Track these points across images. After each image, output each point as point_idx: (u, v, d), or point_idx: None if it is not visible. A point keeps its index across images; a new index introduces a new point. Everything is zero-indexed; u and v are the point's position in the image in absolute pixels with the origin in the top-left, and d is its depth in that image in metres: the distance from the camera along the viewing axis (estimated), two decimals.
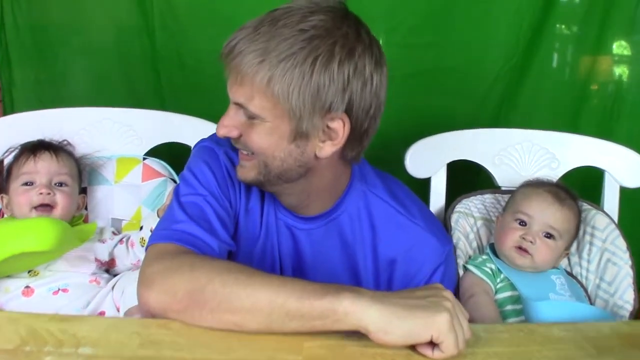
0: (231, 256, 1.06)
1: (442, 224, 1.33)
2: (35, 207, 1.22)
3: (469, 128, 1.47)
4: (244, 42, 0.88)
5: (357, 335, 0.78)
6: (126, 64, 1.72)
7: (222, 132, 0.95)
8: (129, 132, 1.45)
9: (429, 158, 1.42)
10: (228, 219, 1.05)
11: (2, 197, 1.29)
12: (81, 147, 1.40)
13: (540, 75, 1.72)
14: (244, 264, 1.05)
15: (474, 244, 1.36)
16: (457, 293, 1.21)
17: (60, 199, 1.24)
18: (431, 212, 1.21)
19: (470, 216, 1.38)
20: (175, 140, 1.46)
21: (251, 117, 0.92)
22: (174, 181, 1.41)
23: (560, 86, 1.74)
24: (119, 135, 1.45)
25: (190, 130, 1.44)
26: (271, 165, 0.95)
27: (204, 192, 1.03)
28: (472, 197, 1.41)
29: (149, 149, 1.46)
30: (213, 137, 1.11)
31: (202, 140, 1.14)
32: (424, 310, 0.79)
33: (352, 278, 1.07)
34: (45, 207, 1.22)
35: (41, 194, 1.23)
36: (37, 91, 1.72)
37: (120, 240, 1.29)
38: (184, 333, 0.83)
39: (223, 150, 1.07)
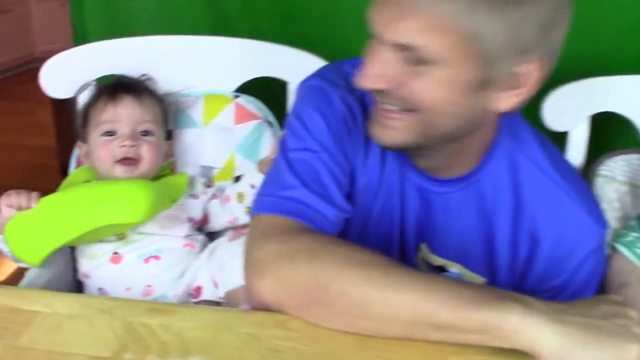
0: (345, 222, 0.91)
1: None
2: (119, 161, 1.06)
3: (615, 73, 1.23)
4: None
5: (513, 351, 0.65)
6: None
7: (370, 84, 0.76)
8: (215, 64, 1.25)
9: (570, 108, 1.20)
10: (344, 179, 0.89)
11: (79, 145, 1.13)
12: (162, 83, 1.21)
13: None
14: (358, 230, 0.94)
15: (618, 214, 1.16)
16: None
17: (146, 151, 1.07)
18: (587, 184, 1.01)
19: (614, 180, 1.18)
20: (270, 75, 1.25)
21: (419, 62, 0.72)
22: (270, 124, 1.22)
23: None
24: (204, 68, 1.25)
25: (287, 62, 1.24)
26: (437, 124, 0.77)
27: (316, 146, 0.87)
28: (616, 158, 1.20)
29: (239, 85, 1.26)
30: (323, 75, 0.93)
31: (309, 78, 0.95)
32: (612, 337, 0.63)
33: (487, 251, 0.92)
34: (130, 161, 1.06)
35: (124, 146, 1.05)
36: (111, 18, 1.50)
37: (214, 195, 1.13)
38: (307, 336, 0.71)
39: (338, 94, 0.89)
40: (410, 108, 0.77)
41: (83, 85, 1.18)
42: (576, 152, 1.21)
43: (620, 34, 1.37)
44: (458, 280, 0.82)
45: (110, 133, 1.07)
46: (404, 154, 0.89)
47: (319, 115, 0.88)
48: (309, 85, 0.93)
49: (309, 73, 0.94)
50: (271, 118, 1.24)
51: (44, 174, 2.90)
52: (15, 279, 1.07)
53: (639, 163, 1.21)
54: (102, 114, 1.08)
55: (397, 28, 0.72)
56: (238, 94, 1.25)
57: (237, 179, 1.14)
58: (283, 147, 0.89)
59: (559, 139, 1.21)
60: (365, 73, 0.76)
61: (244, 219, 1.10)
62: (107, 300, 0.85)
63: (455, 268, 0.94)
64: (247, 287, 0.77)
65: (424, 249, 0.95)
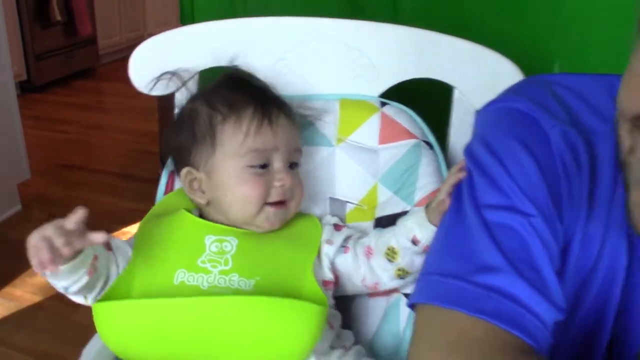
0: None
1: None
2: (271, 203, 0.77)
3: None
4: None
5: None
6: None
7: None
8: (357, 58, 0.91)
9: None
10: (557, 254, 0.59)
11: (189, 171, 0.80)
12: (283, 82, 0.89)
13: None
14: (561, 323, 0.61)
15: None
16: None
17: (297, 191, 0.80)
18: None
19: None
20: (432, 77, 0.91)
21: None
22: (430, 146, 0.87)
23: None
24: (340, 62, 0.92)
25: (456, 60, 0.89)
26: None
27: (527, 207, 0.58)
28: None
29: (386, 88, 0.92)
30: (529, 95, 0.63)
31: (506, 98, 0.65)
32: None
33: None
34: (282, 205, 0.78)
35: (283, 184, 0.77)
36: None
37: (345, 247, 0.80)
38: None
39: (559, 128, 0.60)
40: None
41: (170, 77, 0.89)
42: None
43: None
44: None
45: (264, 166, 0.77)
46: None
47: (530, 157, 0.59)
48: (508, 107, 0.63)
49: (487, 80, 0.62)
50: (430, 137, 0.89)
51: (145, 161, 2.84)
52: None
53: None
54: (252, 139, 0.77)
55: None
56: (385, 100, 0.91)
57: (384, 221, 0.80)
58: (473, 197, 0.59)
59: None
60: None
61: (391, 283, 0.77)
62: None
63: None
64: None
65: None
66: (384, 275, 0.77)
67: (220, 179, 0.77)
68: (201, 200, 0.79)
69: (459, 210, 0.61)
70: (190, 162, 0.80)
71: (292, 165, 0.79)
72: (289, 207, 0.79)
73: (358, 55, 0.91)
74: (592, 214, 0.60)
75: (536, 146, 0.60)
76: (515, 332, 0.53)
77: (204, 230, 0.77)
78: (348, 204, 0.87)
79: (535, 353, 0.53)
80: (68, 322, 1.61)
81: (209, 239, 0.75)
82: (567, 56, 1.07)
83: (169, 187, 0.89)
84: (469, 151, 0.64)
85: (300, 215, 0.82)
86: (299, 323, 0.68)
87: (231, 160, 0.76)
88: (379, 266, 0.77)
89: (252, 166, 0.76)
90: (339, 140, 0.88)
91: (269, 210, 0.76)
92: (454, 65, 0.90)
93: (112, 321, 0.69)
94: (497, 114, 0.65)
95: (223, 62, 0.89)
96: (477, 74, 0.88)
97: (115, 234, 1.46)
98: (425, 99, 0.92)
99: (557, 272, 0.61)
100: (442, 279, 0.56)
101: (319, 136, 0.88)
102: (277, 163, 0.77)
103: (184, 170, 0.80)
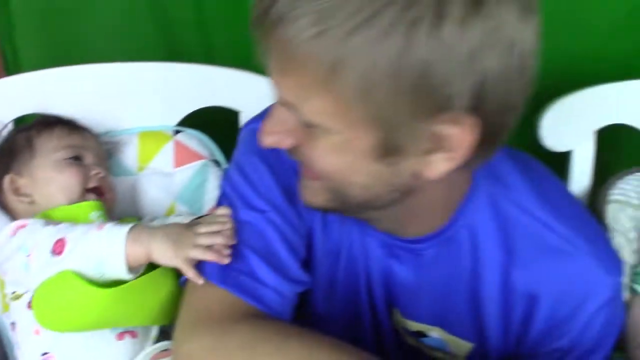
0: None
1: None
2: (90, 189, 0.91)
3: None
4: None
5: None
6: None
7: (268, 142, 0.63)
8: (153, 94, 1.06)
9: (571, 124, 1.01)
10: (299, 242, 0.76)
11: (11, 178, 0.92)
12: (92, 120, 1.02)
13: None
14: (324, 298, 0.83)
15: (635, 245, 0.97)
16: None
17: (112, 185, 0.96)
18: (594, 221, 0.84)
19: (628, 206, 0.99)
20: (218, 104, 1.06)
21: (308, 125, 0.58)
22: (218, 163, 1.03)
23: None
24: (141, 99, 1.06)
25: (239, 88, 1.06)
26: (348, 193, 0.63)
27: (263, 205, 0.74)
28: (629, 178, 1.01)
29: (182, 117, 1.07)
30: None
31: (254, 119, 0.82)
32: None
33: (473, 312, 0.77)
34: (100, 191, 0.92)
35: (97, 173, 0.92)
36: (48, 45, 1.29)
37: None
38: None
39: None
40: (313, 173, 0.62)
41: None
42: (581, 174, 1.03)
43: (605, 34, 1.18)
44: None
45: (77, 158, 0.92)
46: None
47: (264, 165, 0.75)
48: (252, 128, 0.79)
49: (267, 102, 0.76)
50: (219, 156, 1.05)
51: None
52: None
53: None
54: (64, 139, 0.93)
55: (281, 84, 0.57)
56: (180, 128, 1.06)
57: None
58: (229, 204, 0.76)
59: (560, 161, 1.03)
60: (264, 129, 0.62)
61: None
62: None
63: (435, 332, 0.80)
64: None
65: (397, 314, 0.81)
66: None
67: (43, 175, 0.90)
68: (27, 202, 0.90)
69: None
70: (11, 171, 0.92)
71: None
72: (107, 198, 0.92)
73: (155, 91, 1.06)
74: None
75: (271, 156, 0.76)
76: (248, 299, 0.69)
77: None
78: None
79: (268, 317, 0.69)
80: None
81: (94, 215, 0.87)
82: None
83: None
84: (226, 174, 0.82)
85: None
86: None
87: (49, 158, 0.91)
88: None
89: (67, 158, 0.91)
90: (140, 169, 1.02)
91: (91, 196, 0.90)
92: (237, 92, 1.06)
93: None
94: (247, 134, 0.82)
95: (40, 109, 1.01)
96: (257, 98, 1.04)
97: None
98: (219, 123, 1.07)
99: (306, 257, 0.79)
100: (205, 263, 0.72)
101: (122, 167, 1.02)
102: (89, 159, 0.93)
103: (7, 178, 0.91)
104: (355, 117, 0.55)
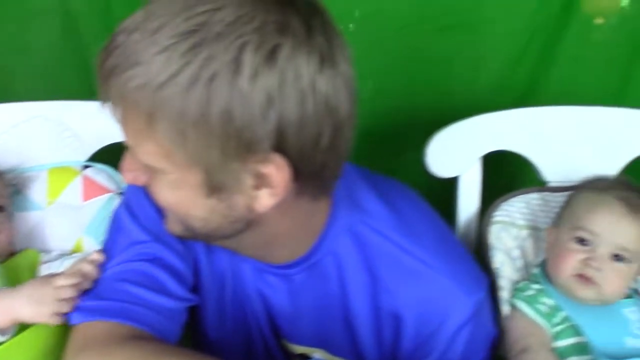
0: (198, 309, 0.87)
1: (475, 251, 1.02)
2: None
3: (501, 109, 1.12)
4: (123, 49, 0.58)
5: None
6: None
7: (127, 179, 0.71)
8: (62, 131, 1.10)
9: (457, 151, 1.09)
10: (184, 266, 0.81)
11: None
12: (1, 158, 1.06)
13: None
14: (217, 322, 0.88)
15: (519, 263, 1.05)
16: (497, 347, 0.91)
17: (3, 225, 0.95)
18: (455, 241, 0.91)
19: (512, 226, 1.07)
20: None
21: (146, 166, 0.65)
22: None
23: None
24: (51, 138, 1.10)
25: None
26: (192, 224, 0.70)
27: (144, 236, 0.79)
28: (513, 200, 1.09)
29: (91, 153, 1.11)
30: None
31: None
32: None
33: (348, 333, 0.83)
34: None
35: None
36: None
37: None
38: None
39: None
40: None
41: None
42: (469, 198, 1.10)
43: (501, 68, 1.27)
44: None
45: None
46: None
47: (148, 199, 0.78)
48: None
49: None
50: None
51: None
52: None
53: (540, 203, 1.10)
54: None
55: (120, 128, 0.65)
56: (89, 163, 1.10)
57: None
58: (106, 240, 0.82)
59: (449, 185, 1.10)
60: (121, 167, 0.69)
61: None
62: None
63: (318, 354, 0.85)
64: None
65: (282, 338, 0.87)
66: None
67: None
68: None
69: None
70: None
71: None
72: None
73: (64, 129, 1.10)
74: None
75: None
76: (129, 322, 0.72)
77: None
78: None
79: (149, 336, 0.72)
80: None
81: None
82: None
83: None
84: (114, 214, 0.86)
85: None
86: None
87: None
88: None
89: None
90: (49, 203, 1.06)
91: None
92: None
93: None
94: None
95: None
96: None
97: None
98: None
99: (194, 282, 0.83)
100: (81, 303, 0.76)
101: (31, 202, 1.05)
102: None
103: None
104: (178, 159, 0.61)
